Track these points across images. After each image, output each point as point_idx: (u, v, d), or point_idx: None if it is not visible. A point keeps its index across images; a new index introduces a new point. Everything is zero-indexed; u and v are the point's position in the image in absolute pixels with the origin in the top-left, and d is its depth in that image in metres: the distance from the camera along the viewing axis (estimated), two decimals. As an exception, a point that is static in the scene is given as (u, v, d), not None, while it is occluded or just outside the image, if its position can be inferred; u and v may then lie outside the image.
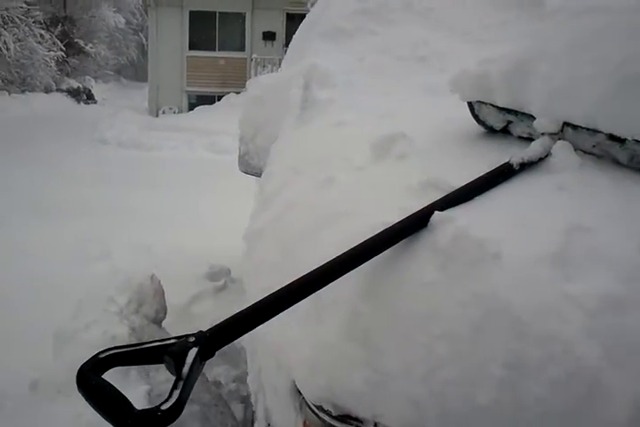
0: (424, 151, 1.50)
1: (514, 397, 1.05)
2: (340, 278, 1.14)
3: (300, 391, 1.23)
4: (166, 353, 0.99)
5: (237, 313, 1.08)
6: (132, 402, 0.92)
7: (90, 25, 28.82)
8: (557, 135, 1.45)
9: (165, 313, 3.10)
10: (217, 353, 1.05)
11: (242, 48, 18.66)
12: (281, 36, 18.36)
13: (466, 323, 1.09)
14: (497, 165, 1.37)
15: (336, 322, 1.16)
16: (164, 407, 0.90)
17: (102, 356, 0.99)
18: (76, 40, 27.34)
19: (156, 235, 5.56)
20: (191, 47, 18.62)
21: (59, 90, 23.92)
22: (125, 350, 1.02)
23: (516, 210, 1.25)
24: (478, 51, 1.88)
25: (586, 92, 1.39)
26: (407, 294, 1.14)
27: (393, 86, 2.10)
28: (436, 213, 1.21)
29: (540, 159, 1.42)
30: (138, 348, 1.02)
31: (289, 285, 1.11)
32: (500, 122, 1.58)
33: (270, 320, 1.09)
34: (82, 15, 28.27)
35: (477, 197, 1.30)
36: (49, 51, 23.16)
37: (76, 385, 0.94)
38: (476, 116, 1.62)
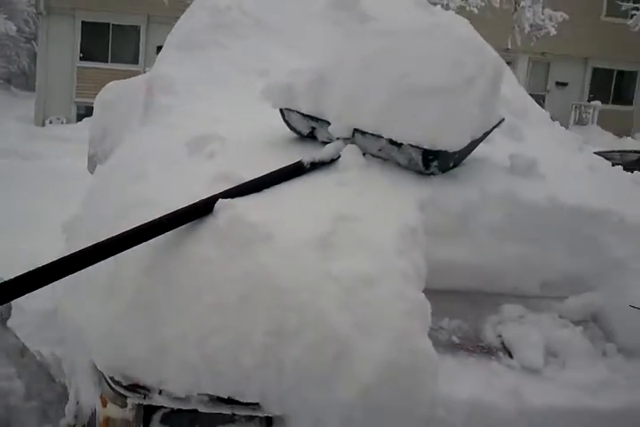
0: (233, 150, 1.65)
1: (276, 360, 1.21)
2: (130, 257, 1.27)
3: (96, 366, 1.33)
4: None
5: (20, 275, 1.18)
6: None
7: (-23, 31, 27.66)
8: (349, 140, 1.64)
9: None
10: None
11: (135, 61, 18.39)
12: (176, 50, 18.23)
13: (235, 295, 1.23)
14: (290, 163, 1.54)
15: (124, 296, 1.28)
16: None
17: None
18: (-39, 46, 26.19)
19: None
20: (82, 58, 18.19)
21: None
22: None
23: (294, 200, 1.42)
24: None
25: (371, 103, 1.59)
26: (187, 269, 1.27)
27: (231, 95, 2.24)
28: (220, 200, 1.36)
29: (333, 160, 1.60)
30: None
31: (67, 256, 1.23)
32: (306, 128, 1.76)
33: (71, 299, 1.20)
34: (-31, 21, 27.11)
35: (266, 190, 1.46)
36: None
37: None
38: (286, 122, 1.80)
